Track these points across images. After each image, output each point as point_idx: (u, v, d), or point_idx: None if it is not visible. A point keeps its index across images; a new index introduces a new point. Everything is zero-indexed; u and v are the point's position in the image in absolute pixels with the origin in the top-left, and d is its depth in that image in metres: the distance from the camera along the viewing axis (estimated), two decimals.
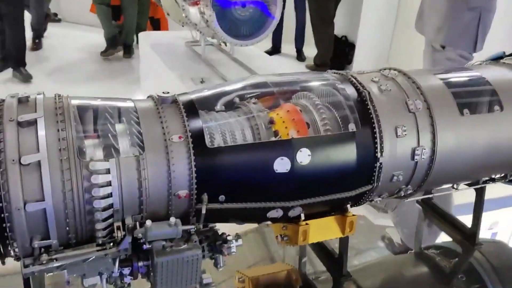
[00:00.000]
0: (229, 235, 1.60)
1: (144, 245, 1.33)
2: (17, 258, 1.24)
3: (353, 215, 1.60)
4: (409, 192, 1.68)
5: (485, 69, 1.87)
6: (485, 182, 1.93)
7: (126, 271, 1.40)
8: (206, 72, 4.55)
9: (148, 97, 1.48)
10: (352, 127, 1.50)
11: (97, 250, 1.27)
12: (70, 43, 7.26)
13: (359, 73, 1.72)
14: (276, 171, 1.39)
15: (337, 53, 7.09)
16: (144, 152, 1.29)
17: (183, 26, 4.93)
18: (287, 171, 1.39)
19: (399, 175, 1.57)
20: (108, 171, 1.23)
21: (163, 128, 1.33)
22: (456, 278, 2.14)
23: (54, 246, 1.24)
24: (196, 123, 1.37)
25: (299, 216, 1.53)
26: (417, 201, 2.27)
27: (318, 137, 1.48)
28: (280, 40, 7.81)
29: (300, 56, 7.68)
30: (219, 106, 1.53)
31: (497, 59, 1.98)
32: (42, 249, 1.23)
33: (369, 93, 1.55)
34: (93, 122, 1.35)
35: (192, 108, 1.40)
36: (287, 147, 1.40)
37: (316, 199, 1.49)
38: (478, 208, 1.97)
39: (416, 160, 1.57)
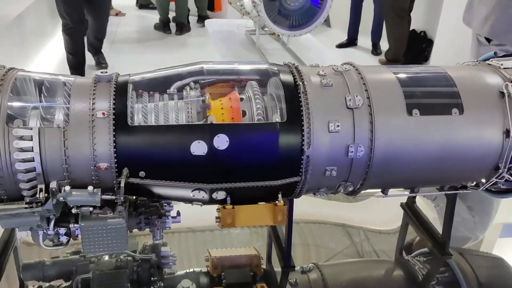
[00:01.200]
0: (168, 211, 1.71)
1: (73, 209, 1.49)
2: None
3: (284, 204, 1.61)
4: (350, 188, 1.65)
5: (459, 70, 1.74)
6: (455, 188, 1.81)
7: (62, 230, 1.57)
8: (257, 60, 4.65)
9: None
10: (276, 118, 1.51)
11: (25, 207, 1.44)
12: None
13: (312, 66, 1.71)
14: (193, 153, 1.45)
15: (413, 49, 6.76)
16: (68, 124, 1.43)
17: (242, 15, 5.07)
18: (203, 154, 1.45)
19: (332, 170, 1.55)
20: (31, 138, 1.39)
21: (90, 104, 1.46)
22: (429, 287, 2.04)
23: None
24: (122, 102, 1.48)
25: (226, 199, 1.57)
26: (401, 204, 2.18)
27: (237, 124, 1.51)
28: (356, 33, 7.63)
29: (376, 50, 7.44)
30: (160, 89, 1.62)
31: (487, 60, 1.84)
32: None
33: (303, 85, 1.54)
34: (34, 94, 1.51)
35: (123, 88, 1.51)
36: (204, 131, 1.46)
37: (238, 185, 1.53)
38: (448, 216, 1.85)
39: (350, 157, 1.54)
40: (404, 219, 2.17)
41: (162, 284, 1.90)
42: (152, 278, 1.92)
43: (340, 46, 7.57)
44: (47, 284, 1.97)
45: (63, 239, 1.58)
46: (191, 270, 2.10)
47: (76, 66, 5.26)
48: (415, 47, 6.77)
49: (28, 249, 2.23)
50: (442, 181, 1.76)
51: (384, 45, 7.35)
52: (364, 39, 7.60)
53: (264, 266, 2.10)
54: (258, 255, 2.09)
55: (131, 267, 1.90)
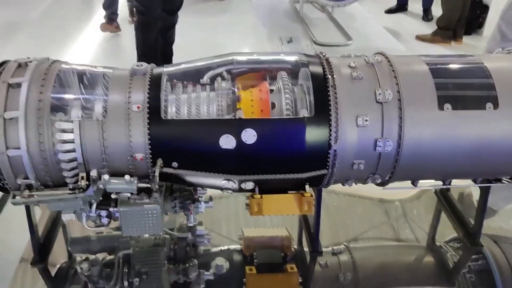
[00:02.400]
0: (200, 196, 1.80)
1: (112, 195, 1.60)
2: (9, 192, 1.59)
3: (311, 195, 1.65)
4: (378, 181, 1.66)
5: (496, 60, 1.68)
6: (489, 181, 1.78)
7: (103, 213, 1.69)
8: (299, 31, 4.59)
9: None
10: (303, 112, 1.53)
11: (68, 193, 1.56)
12: None
13: (344, 57, 1.70)
14: (222, 147, 1.51)
15: (467, 16, 6.43)
16: (106, 117, 1.52)
17: None
18: (232, 148, 1.51)
19: (359, 164, 1.57)
20: (72, 131, 1.49)
21: (126, 97, 1.53)
22: (460, 275, 2.05)
23: (35, 185, 1.55)
24: (156, 95, 1.54)
25: (254, 189, 1.63)
26: (435, 191, 2.17)
27: (265, 119, 1.54)
28: None
29: (427, 16, 7.15)
30: (193, 80, 1.67)
31: None
32: (25, 186, 1.55)
33: (332, 78, 1.55)
34: (76, 86, 1.61)
35: (157, 81, 1.57)
36: (232, 126, 1.50)
37: (266, 177, 1.58)
38: (481, 208, 1.83)
39: (378, 151, 1.55)
40: (437, 206, 2.16)
41: (197, 262, 2.01)
42: (187, 256, 2.03)
43: (390, 11, 7.31)
44: (93, 256, 2.13)
45: (104, 220, 1.71)
46: (226, 247, 2.20)
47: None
48: (470, 14, 6.44)
49: (76, 224, 2.40)
50: (475, 175, 1.74)
51: (436, 10, 7.04)
52: (415, 3, 7.30)
53: (295, 247, 2.17)
54: (289, 236, 2.15)
55: (168, 245, 2.01)
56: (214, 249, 2.18)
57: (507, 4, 3.03)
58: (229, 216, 2.50)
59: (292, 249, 2.15)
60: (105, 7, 6.23)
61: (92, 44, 5.96)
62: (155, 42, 4.45)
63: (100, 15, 6.47)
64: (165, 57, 4.65)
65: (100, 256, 2.12)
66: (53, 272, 1.97)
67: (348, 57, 1.69)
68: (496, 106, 1.55)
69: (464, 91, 1.59)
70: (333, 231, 3.00)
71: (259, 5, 5.29)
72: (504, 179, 1.76)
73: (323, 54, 1.68)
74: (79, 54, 5.60)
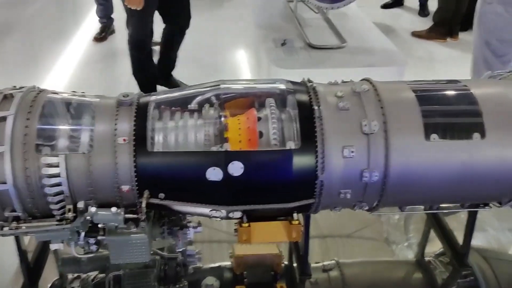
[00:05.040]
0: (189, 221, 1.80)
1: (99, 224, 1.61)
2: None
3: (299, 222, 1.66)
4: (365, 208, 1.67)
5: (483, 86, 1.68)
6: (476, 206, 1.79)
7: (92, 240, 1.70)
8: (293, 32, 4.56)
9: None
10: (290, 145, 1.53)
11: (55, 224, 1.57)
12: None
13: (331, 84, 1.70)
14: (209, 179, 1.51)
15: (463, 12, 6.38)
16: (92, 149, 1.51)
17: None
18: (219, 180, 1.51)
19: (346, 193, 1.58)
20: (58, 164, 1.49)
21: (113, 128, 1.53)
22: None
23: (23, 216, 1.56)
24: (142, 127, 1.54)
25: (242, 218, 1.64)
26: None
27: (252, 152, 1.54)
28: None
29: (423, 11, 7.08)
30: (180, 109, 1.67)
31: None
32: (13, 218, 1.55)
33: (319, 109, 1.55)
34: (63, 116, 1.60)
35: (143, 112, 1.57)
36: (219, 158, 1.50)
37: (254, 207, 1.58)
38: (468, 230, 1.85)
39: (365, 182, 1.55)
40: (427, 224, 2.17)
41: (187, 283, 2.03)
42: (178, 276, 2.04)
43: (385, 6, 7.26)
44: (84, 275, 2.15)
45: (93, 247, 1.71)
46: (217, 265, 2.21)
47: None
48: (467, 9, 6.38)
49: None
50: (462, 201, 1.74)
51: (432, 4, 6.98)
52: None
53: (285, 263, 2.19)
54: (280, 254, 2.17)
55: (158, 266, 2.03)
56: (205, 267, 2.20)
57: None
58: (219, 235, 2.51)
59: (282, 265, 2.16)
60: (100, 15, 6.02)
61: (84, 46, 5.88)
62: (150, 60, 4.29)
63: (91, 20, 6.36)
64: (168, 68, 4.54)
65: (92, 274, 2.14)
66: None
67: (335, 85, 1.69)
68: (483, 135, 1.55)
69: (451, 118, 1.59)
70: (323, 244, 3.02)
71: (254, 5, 5.24)
72: (492, 204, 1.76)
73: (310, 82, 1.68)
74: (70, 59, 5.54)
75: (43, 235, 1.60)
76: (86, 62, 5.37)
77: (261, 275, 2.09)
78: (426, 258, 2.25)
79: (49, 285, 2.07)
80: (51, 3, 6.48)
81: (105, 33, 5.94)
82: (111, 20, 6.00)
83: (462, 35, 6.41)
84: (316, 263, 2.25)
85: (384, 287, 2.14)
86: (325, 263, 2.25)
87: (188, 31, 4.28)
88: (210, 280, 2.08)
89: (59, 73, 5.06)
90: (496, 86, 1.69)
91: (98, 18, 6.00)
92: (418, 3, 7.18)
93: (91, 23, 6.32)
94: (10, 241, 1.79)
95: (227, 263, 2.22)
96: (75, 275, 2.15)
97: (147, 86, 4.18)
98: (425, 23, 6.63)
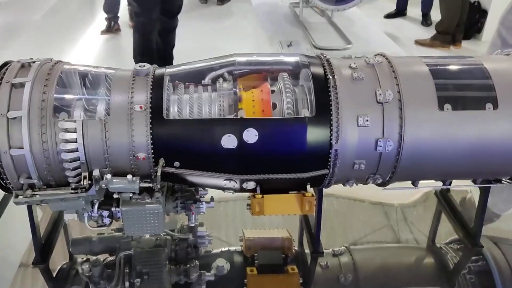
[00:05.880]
0: (202, 196, 1.80)
1: (114, 194, 1.61)
2: (11, 191, 1.59)
3: (312, 195, 1.66)
4: (379, 181, 1.67)
5: (495, 61, 1.69)
6: (489, 182, 1.79)
7: (105, 213, 1.70)
8: (299, 35, 4.61)
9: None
10: (305, 112, 1.54)
11: (70, 193, 1.57)
12: None
13: (344, 58, 1.72)
14: (224, 146, 1.52)
15: (466, 20, 6.46)
16: (109, 117, 1.52)
17: None
18: (234, 147, 1.52)
19: (360, 163, 1.58)
20: (75, 130, 1.50)
21: (129, 97, 1.54)
22: (460, 276, 2.05)
23: (37, 184, 1.56)
24: (158, 95, 1.55)
25: (256, 189, 1.64)
26: (435, 193, 2.18)
27: (266, 119, 1.55)
28: (405, 2, 7.37)
29: (426, 21, 7.18)
30: (195, 81, 1.68)
31: None
32: (28, 186, 1.55)
33: (333, 79, 1.56)
34: (79, 87, 1.62)
35: (159, 82, 1.59)
36: (234, 125, 1.51)
37: (268, 176, 1.58)
38: (481, 209, 1.84)
39: (379, 151, 1.56)
40: (438, 207, 2.17)
41: (198, 263, 2.01)
42: (188, 256, 2.03)
43: (389, 16, 7.36)
44: (94, 257, 2.13)
45: (106, 220, 1.71)
46: (226, 249, 2.20)
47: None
48: (468, 18, 6.48)
49: (77, 225, 2.41)
50: (474, 175, 1.75)
51: (435, 15, 7.07)
52: (414, 9, 7.34)
53: (296, 248, 2.18)
54: (290, 237, 2.16)
55: (169, 246, 2.01)
56: (215, 251, 2.19)
57: (506, 9, 3.04)
58: (228, 221, 2.51)
59: (293, 250, 2.15)
60: (106, 10, 6.25)
61: (93, 46, 5.97)
62: (152, 45, 4.43)
63: (102, 16, 6.49)
64: (165, 61, 4.62)
65: (101, 257, 2.13)
66: (54, 273, 1.97)
67: (348, 58, 1.71)
68: (495, 106, 1.56)
69: (464, 91, 1.61)
70: (332, 235, 3.01)
71: (259, 10, 5.31)
72: (504, 179, 1.77)
73: (324, 55, 1.70)
74: (80, 56, 5.62)
75: (57, 205, 1.60)
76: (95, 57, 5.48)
77: (271, 257, 2.08)
78: (437, 244, 2.24)
79: (59, 267, 2.07)
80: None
81: (111, 28, 6.25)
82: (117, 17, 6.19)
83: (465, 44, 6.48)
84: (325, 249, 2.24)
85: (396, 271, 2.12)
86: (335, 249, 2.24)
87: (197, 37, 4.36)
88: (220, 261, 2.06)
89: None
90: (507, 61, 1.70)
91: (105, 14, 6.23)
92: (420, 13, 7.27)
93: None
94: (24, 216, 1.79)
95: (238, 247, 2.21)
96: (85, 258, 2.15)
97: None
98: (428, 32, 6.71)
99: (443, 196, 2.12)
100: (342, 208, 3.20)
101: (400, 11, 7.40)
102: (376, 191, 1.79)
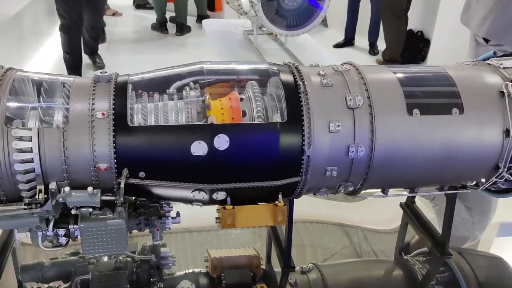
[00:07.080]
0: (168, 212, 1.70)
1: (72, 210, 1.48)
2: None
3: (284, 205, 1.61)
4: (350, 188, 1.65)
5: (459, 69, 1.74)
6: (455, 188, 1.81)
7: (61, 232, 1.56)
8: (254, 60, 4.64)
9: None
10: (276, 118, 1.51)
11: (24, 209, 1.43)
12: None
13: (312, 66, 1.71)
14: (193, 154, 1.44)
15: (411, 49, 6.76)
16: (67, 125, 1.42)
17: (240, 15, 5.06)
18: (204, 154, 1.45)
19: (332, 170, 1.55)
20: (30, 139, 1.38)
21: (90, 104, 1.45)
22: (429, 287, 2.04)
23: None
24: (122, 102, 1.47)
25: (226, 200, 1.57)
26: (400, 204, 2.18)
27: (238, 124, 1.50)
28: (353, 32, 7.63)
29: (373, 50, 7.44)
30: (161, 89, 1.61)
31: (486, 60, 1.84)
32: None
33: (303, 85, 1.54)
34: (33, 95, 1.50)
35: (122, 88, 1.50)
36: (204, 132, 1.45)
37: (239, 185, 1.52)
38: (448, 216, 1.85)
39: (351, 157, 1.53)
40: (404, 219, 2.17)
41: (161, 285, 1.89)
42: (151, 279, 1.91)
43: (337, 46, 7.57)
44: (46, 286, 1.96)
45: (63, 240, 1.57)
46: (191, 270, 2.09)
47: (73, 65, 5.30)
48: (412, 47, 6.78)
49: (26, 250, 2.22)
50: (442, 181, 1.76)
51: (381, 45, 7.36)
52: (361, 39, 7.61)
53: (264, 267, 2.10)
54: (258, 255, 2.08)
55: (130, 268, 1.89)
56: (179, 273, 2.07)
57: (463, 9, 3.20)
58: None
59: (261, 268, 2.08)
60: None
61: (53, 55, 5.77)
62: (77, 43, 5.27)
63: None
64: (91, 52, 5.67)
65: (55, 284, 1.96)
66: None
67: (316, 67, 1.70)
68: (461, 111, 1.59)
69: (431, 98, 1.63)
70: (297, 254, 2.96)
71: (214, 38, 5.34)
72: (469, 186, 1.79)
73: (292, 63, 1.68)
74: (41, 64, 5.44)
75: (8, 223, 1.45)
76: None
77: (240, 276, 1.99)
78: (404, 257, 2.23)
79: None
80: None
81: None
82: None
83: None
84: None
85: (365, 285, 2.08)
86: (303, 266, 2.18)
87: (155, 66, 4.35)
88: (185, 283, 1.95)
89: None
90: (469, 70, 1.75)
91: None
92: (367, 43, 7.54)
93: None
94: None
95: (202, 269, 2.10)
96: (36, 286, 1.97)
97: (73, 68, 5.26)
98: (375, 61, 6.96)
99: (409, 208, 2.12)
100: (306, 229, 3.17)
101: (348, 41, 7.65)
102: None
